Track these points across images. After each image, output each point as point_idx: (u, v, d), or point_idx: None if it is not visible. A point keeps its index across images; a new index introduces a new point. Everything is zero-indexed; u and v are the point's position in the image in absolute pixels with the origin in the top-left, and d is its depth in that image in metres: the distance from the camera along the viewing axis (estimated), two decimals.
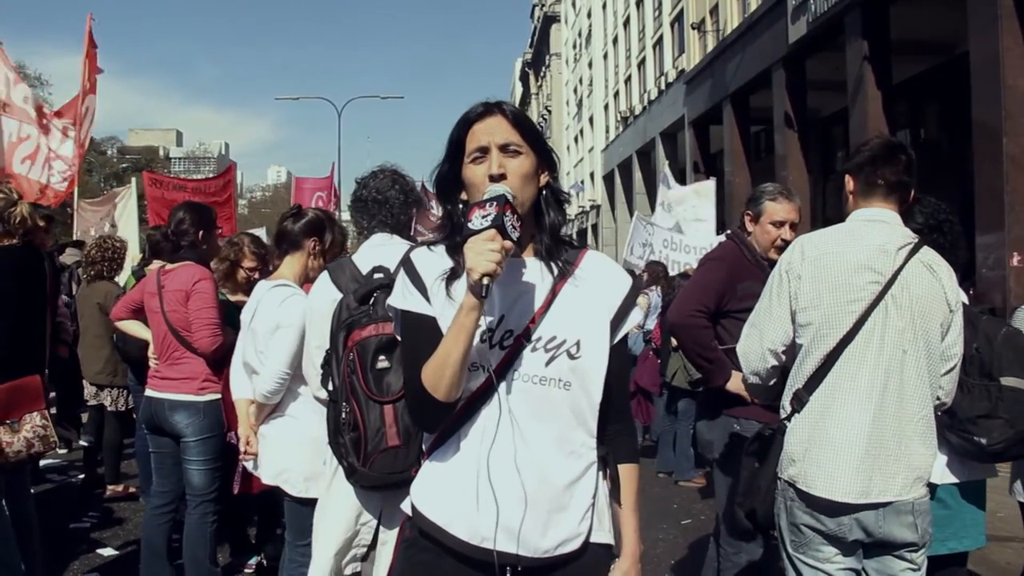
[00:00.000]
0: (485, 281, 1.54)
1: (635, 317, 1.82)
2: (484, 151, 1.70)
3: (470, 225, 1.58)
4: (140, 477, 5.75)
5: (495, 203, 1.59)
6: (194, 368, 3.91)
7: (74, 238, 10.04)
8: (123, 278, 6.77)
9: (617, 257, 25.85)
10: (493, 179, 1.67)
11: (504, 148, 1.69)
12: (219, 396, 3.87)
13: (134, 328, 4.46)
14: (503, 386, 1.66)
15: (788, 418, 2.49)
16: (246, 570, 4.50)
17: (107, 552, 5.02)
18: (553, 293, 1.72)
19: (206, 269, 4.02)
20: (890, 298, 2.40)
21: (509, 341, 1.67)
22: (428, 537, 1.71)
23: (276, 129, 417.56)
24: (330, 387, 2.57)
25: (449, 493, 1.69)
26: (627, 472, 1.84)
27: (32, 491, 5.46)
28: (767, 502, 2.53)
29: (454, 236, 1.74)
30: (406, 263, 1.77)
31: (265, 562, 4.72)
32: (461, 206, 1.75)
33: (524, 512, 1.64)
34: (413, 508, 1.76)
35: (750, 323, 2.65)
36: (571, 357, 1.69)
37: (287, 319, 3.13)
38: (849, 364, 2.39)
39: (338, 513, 2.72)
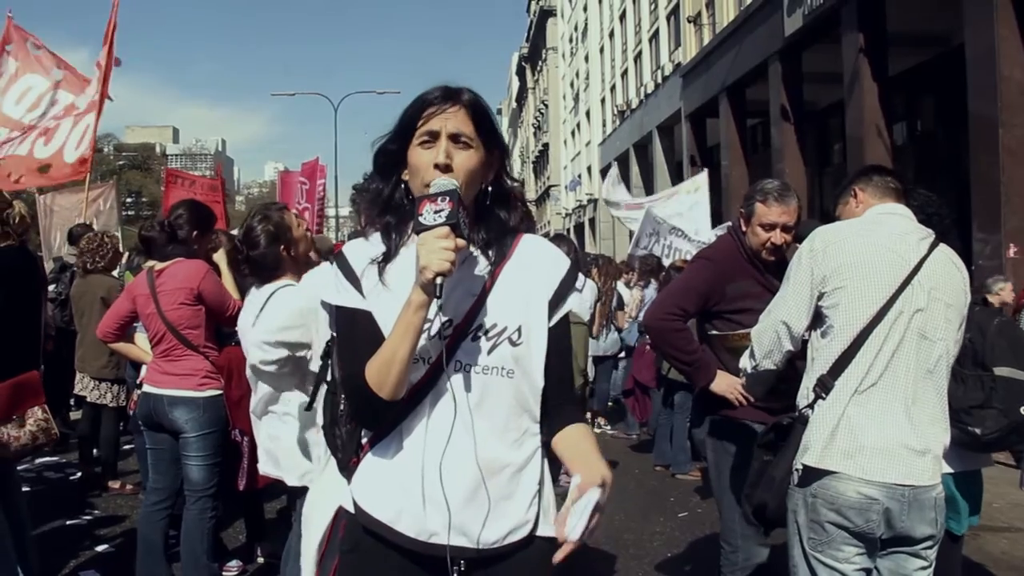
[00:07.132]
0: (439, 280, 1.51)
1: (573, 300, 1.75)
2: (434, 136, 1.64)
3: (422, 219, 1.53)
4: (141, 473, 5.75)
5: (448, 198, 1.54)
6: (194, 364, 3.91)
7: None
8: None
9: (615, 251, 25.79)
10: (438, 167, 1.62)
11: (455, 138, 1.64)
12: (220, 392, 3.85)
13: (131, 352, 4.42)
14: (444, 377, 1.62)
15: (811, 406, 2.42)
16: (225, 572, 4.52)
17: (103, 548, 5.02)
18: (492, 279, 1.68)
19: (203, 263, 4.02)
20: (917, 284, 2.38)
21: (449, 331, 1.63)
22: (372, 534, 1.67)
23: (273, 125, 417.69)
24: (329, 378, 2.58)
25: (393, 489, 1.65)
26: (578, 428, 1.74)
27: (29, 488, 5.48)
28: (780, 495, 2.46)
29: (386, 215, 1.71)
30: (338, 257, 1.72)
31: (261, 559, 4.73)
32: (410, 197, 1.68)
33: (470, 504, 1.61)
34: (355, 504, 1.71)
35: (768, 310, 2.59)
36: (513, 344, 1.66)
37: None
38: (874, 347, 2.35)
39: (326, 505, 2.73)
